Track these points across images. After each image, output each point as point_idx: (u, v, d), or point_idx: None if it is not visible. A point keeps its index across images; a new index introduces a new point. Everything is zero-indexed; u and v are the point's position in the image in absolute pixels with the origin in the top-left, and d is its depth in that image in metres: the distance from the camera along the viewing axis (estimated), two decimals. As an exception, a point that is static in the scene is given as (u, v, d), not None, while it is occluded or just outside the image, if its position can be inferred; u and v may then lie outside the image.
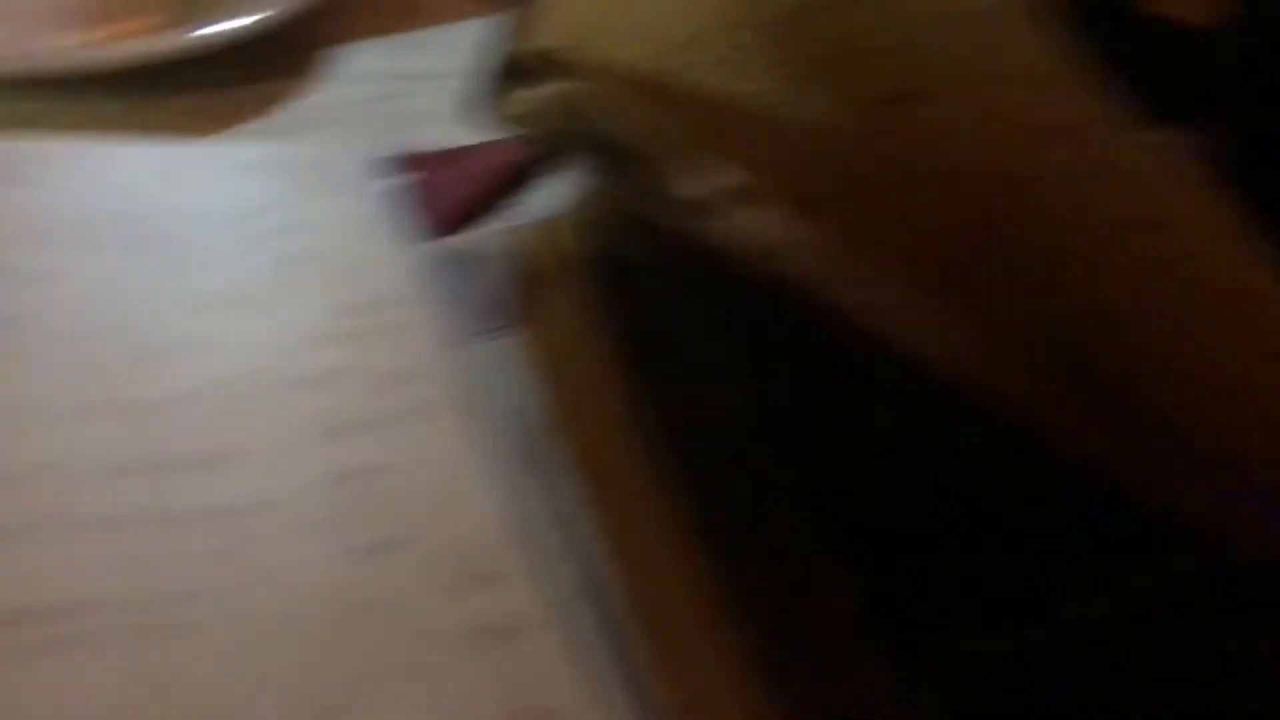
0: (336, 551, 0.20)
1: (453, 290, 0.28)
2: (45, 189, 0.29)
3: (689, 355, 0.28)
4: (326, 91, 0.41)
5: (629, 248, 0.31)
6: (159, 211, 0.28)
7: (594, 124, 0.28)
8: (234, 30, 0.39)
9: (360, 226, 0.30)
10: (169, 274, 0.27)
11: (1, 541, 0.19)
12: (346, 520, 0.21)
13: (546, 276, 0.31)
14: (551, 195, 0.35)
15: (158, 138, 0.34)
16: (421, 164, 0.34)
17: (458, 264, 0.30)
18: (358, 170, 0.32)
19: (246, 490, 0.21)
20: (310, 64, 0.42)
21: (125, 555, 0.20)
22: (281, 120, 0.39)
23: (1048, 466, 0.20)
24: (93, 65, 0.37)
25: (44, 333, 0.24)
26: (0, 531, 0.20)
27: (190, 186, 0.30)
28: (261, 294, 0.27)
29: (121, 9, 0.41)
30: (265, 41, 0.41)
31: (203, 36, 0.39)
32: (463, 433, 0.24)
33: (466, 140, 0.38)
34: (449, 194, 0.34)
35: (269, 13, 0.40)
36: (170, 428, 0.22)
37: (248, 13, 0.40)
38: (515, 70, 0.33)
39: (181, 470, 0.22)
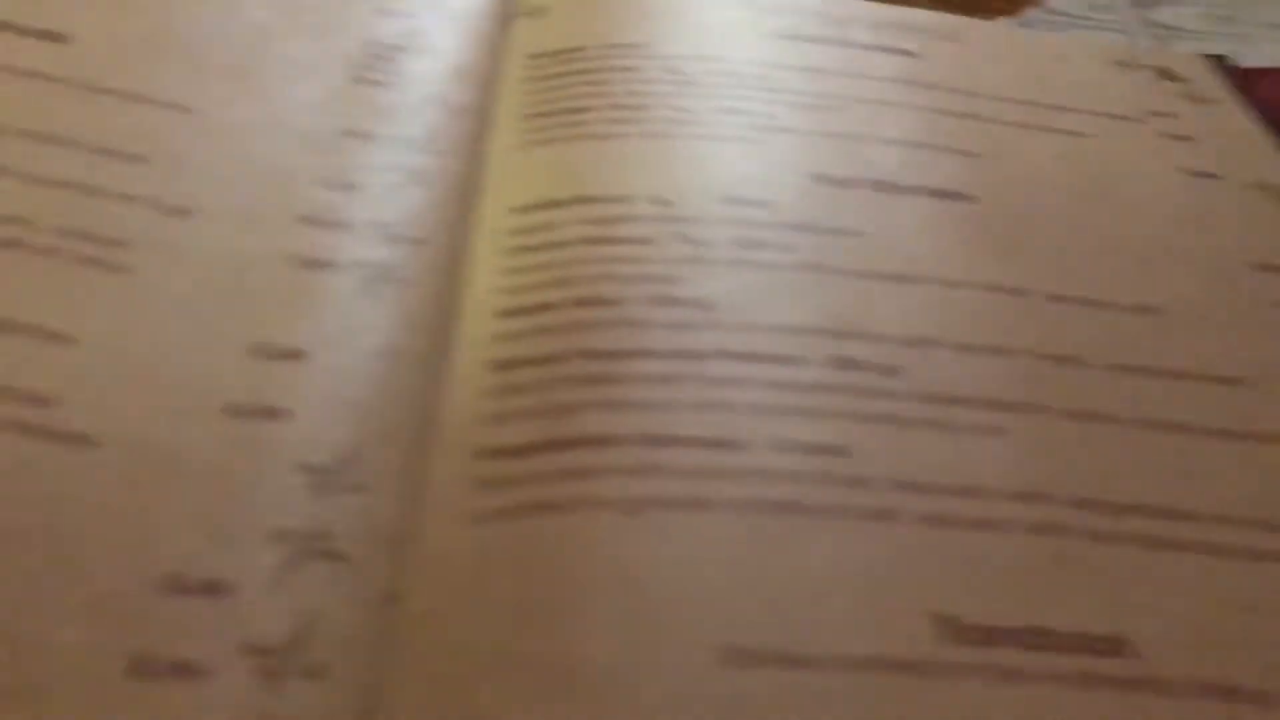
0: None
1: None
2: (928, 61, 0.28)
3: None
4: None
5: None
6: (1055, 97, 0.27)
7: None
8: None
9: (1244, 140, 0.27)
10: (1081, 167, 0.25)
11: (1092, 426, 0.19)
12: None
13: None
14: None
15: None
16: (1255, 79, 0.31)
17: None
18: (1213, 80, 0.30)
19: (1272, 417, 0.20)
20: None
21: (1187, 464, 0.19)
22: (1033, 17, 0.37)
23: None
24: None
25: (994, 210, 0.23)
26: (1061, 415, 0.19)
27: (1064, 76, 0.29)
28: (1182, 198, 0.25)
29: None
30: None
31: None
32: None
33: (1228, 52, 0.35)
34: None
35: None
36: (1157, 337, 0.21)
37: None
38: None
39: (1200, 380, 0.20)
